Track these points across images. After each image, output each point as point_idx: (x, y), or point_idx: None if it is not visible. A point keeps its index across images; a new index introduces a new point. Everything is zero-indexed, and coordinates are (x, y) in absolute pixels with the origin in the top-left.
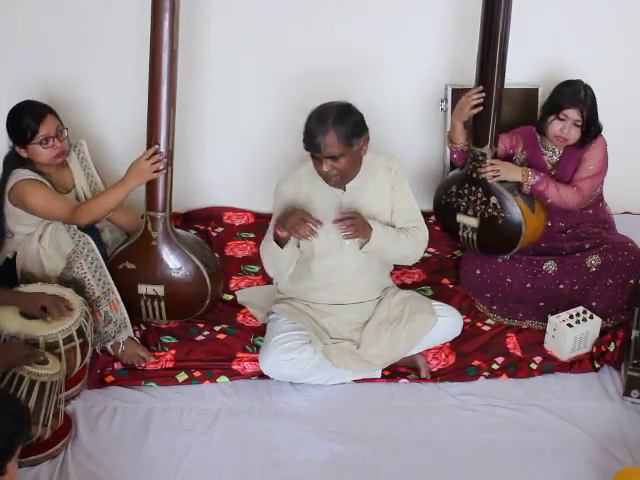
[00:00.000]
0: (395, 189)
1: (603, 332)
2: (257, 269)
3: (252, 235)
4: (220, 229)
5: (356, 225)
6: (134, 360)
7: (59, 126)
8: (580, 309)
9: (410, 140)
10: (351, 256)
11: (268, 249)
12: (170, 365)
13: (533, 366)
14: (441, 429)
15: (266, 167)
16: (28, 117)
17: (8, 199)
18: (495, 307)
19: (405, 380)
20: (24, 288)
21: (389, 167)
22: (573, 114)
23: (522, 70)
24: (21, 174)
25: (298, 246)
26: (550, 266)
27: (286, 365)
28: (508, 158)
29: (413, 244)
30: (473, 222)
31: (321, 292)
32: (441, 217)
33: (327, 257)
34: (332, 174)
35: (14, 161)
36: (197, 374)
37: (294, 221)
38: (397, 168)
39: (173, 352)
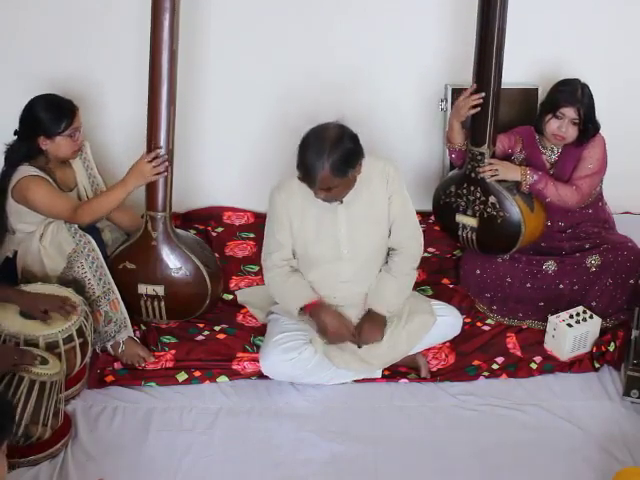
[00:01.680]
0: (392, 199)
1: (603, 332)
2: (257, 269)
3: (252, 235)
4: (220, 229)
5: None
6: (134, 360)
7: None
8: (580, 309)
9: (410, 140)
10: (348, 265)
11: (281, 298)
12: (170, 365)
13: (533, 366)
14: (441, 429)
15: (266, 167)
16: (65, 107)
17: (11, 195)
18: (495, 307)
19: (405, 380)
20: (24, 287)
21: (385, 173)
22: (570, 112)
23: (521, 70)
24: (26, 170)
25: (294, 256)
26: (550, 266)
27: (286, 365)
28: (507, 158)
29: (412, 272)
30: (472, 222)
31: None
32: (440, 217)
33: (324, 266)
34: (327, 198)
35: (20, 156)
36: (197, 374)
37: (335, 339)
38: (394, 174)
39: (173, 352)
